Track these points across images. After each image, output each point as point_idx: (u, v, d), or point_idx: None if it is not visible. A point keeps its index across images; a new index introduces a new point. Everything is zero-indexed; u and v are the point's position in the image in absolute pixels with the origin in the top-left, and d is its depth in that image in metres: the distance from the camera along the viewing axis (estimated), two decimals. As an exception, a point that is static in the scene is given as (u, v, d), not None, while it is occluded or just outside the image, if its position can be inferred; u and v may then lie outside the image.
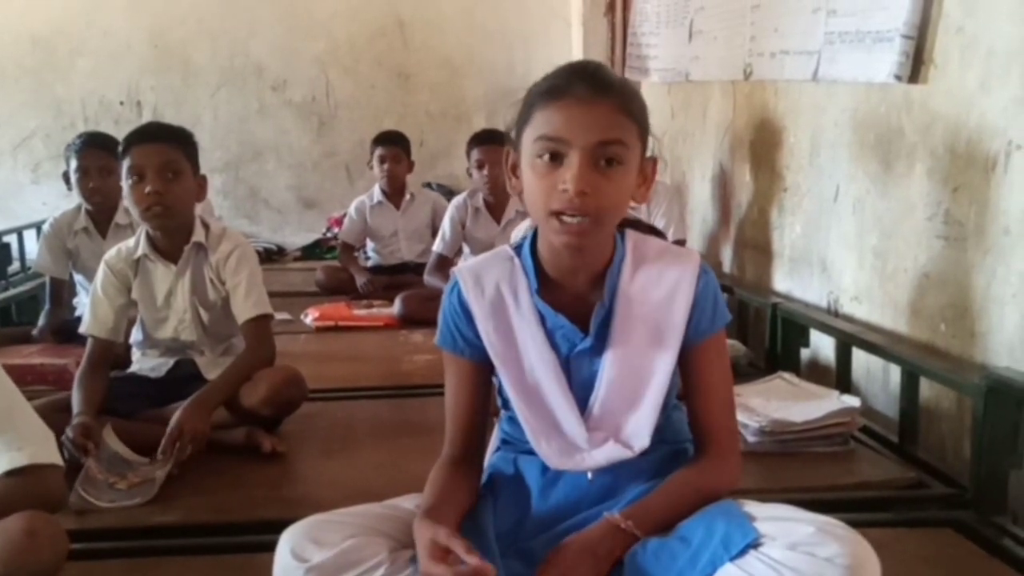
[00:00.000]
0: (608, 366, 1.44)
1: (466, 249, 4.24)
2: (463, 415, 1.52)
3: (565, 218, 1.34)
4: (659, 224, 3.50)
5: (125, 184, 2.41)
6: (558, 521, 1.44)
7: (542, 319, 1.45)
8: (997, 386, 1.96)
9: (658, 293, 1.44)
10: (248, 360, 2.45)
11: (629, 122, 1.36)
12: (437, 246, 4.29)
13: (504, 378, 1.48)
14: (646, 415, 1.44)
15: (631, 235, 1.48)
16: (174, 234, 2.49)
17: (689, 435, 1.53)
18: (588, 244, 1.39)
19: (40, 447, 1.64)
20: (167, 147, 2.39)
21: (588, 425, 1.44)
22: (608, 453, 1.43)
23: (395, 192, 4.74)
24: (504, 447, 1.58)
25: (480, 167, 4.07)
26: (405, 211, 4.75)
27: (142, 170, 2.36)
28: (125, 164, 2.39)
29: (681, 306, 1.43)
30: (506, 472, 1.54)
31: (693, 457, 1.50)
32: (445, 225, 4.27)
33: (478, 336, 1.48)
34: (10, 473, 1.58)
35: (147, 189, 2.35)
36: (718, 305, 1.47)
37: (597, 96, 1.34)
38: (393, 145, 4.71)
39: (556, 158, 1.34)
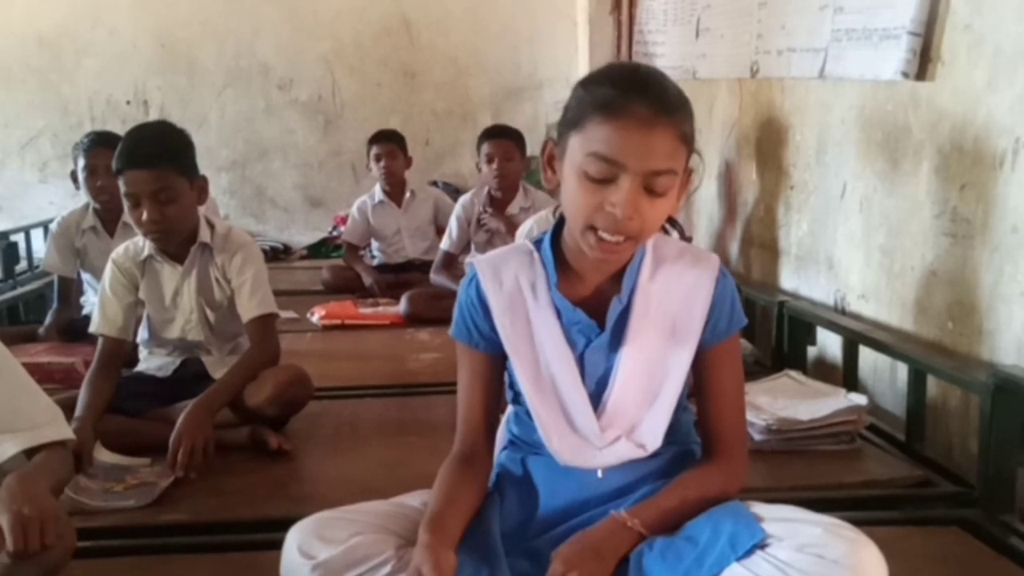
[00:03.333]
0: (624, 362, 1.43)
1: (473, 247, 4.24)
2: (475, 409, 1.52)
3: (605, 235, 1.32)
4: (665, 222, 3.49)
5: (124, 203, 2.37)
6: (565, 519, 1.44)
7: (559, 314, 1.45)
8: (1005, 384, 1.95)
9: (677, 292, 1.43)
10: (252, 360, 2.45)
11: (682, 147, 1.34)
12: (444, 244, 4.30)
13: (518, 372, 1.47)
14: (660, 414, 1.43)
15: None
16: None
17: (696, 437, 1.53)
18: (621, 260, 1.40)
19: (51, 425, 1.65)
20: (158, 173, 2.30)
21: (601, 422, 1.43)
22: (620, 452, 1.43)
23: (396, 190, 4.74)
24: (511, 448, 1.57)
25: (490, 161, 4.09)
26: (407, 209, 4.75)
27: (137, 197, 2.31)
28: (120, 185, 2.33)
29: (699, 307, 1.43)
30: (514, 472, 1.53)
31: (701, 459, 1.50)
32: (452, 223, 4.27)
33: (494, 330, 1.47)
34: (27, 453, 1.59)
35: (143, 217, 2.32)
36: (735, 309, 1.46)
37: (657, 119, 1.30)
38: (387, 142, 4.71)
39: (607, 177, 1.31)
